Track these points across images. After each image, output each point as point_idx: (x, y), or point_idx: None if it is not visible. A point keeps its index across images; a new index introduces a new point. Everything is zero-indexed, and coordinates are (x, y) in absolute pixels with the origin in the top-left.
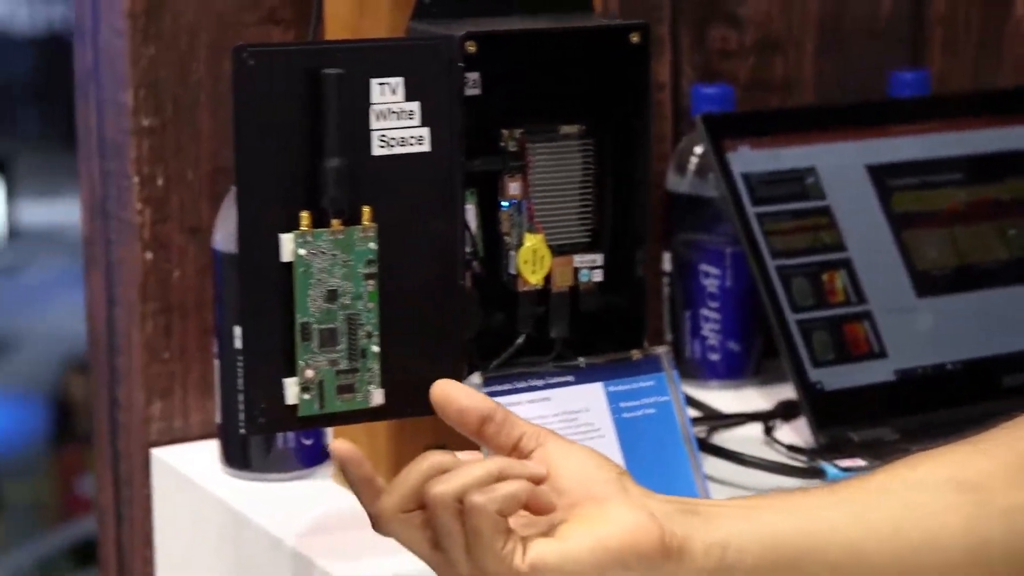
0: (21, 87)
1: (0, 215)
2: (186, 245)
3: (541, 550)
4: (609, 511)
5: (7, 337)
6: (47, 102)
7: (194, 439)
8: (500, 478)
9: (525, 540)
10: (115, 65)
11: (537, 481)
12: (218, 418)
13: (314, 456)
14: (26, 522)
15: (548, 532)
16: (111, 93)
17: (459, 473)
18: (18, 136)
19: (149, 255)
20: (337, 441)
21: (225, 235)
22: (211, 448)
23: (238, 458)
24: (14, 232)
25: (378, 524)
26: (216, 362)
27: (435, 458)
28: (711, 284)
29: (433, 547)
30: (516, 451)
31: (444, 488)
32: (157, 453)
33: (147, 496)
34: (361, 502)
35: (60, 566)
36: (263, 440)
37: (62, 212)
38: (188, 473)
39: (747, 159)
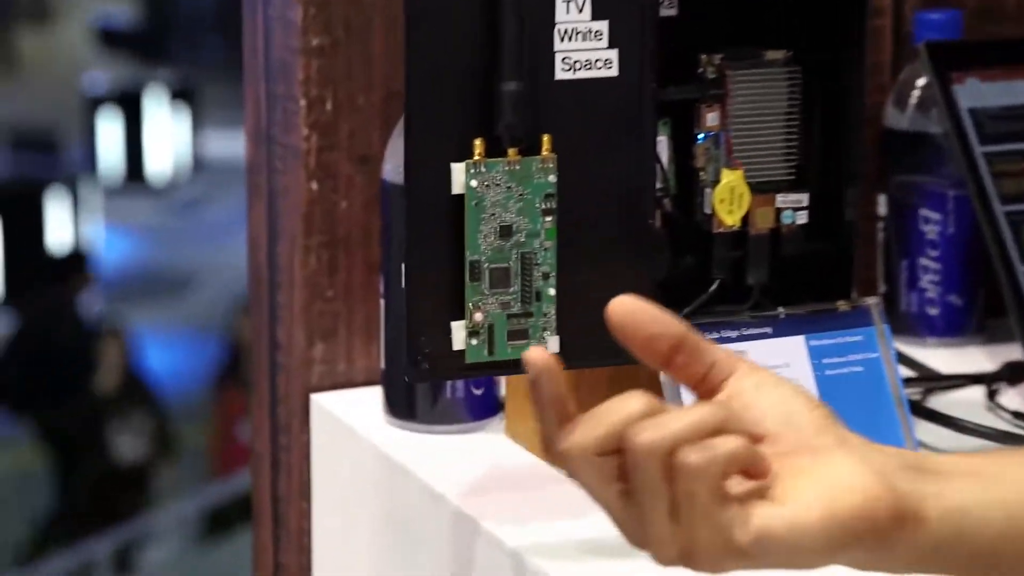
0: (205, 15)
1: (185, 147)
2: (354, 175)
3: (767, 520)
4: (831, 469)
5: (186, 274)
6: (232, 30)
7: (358, 385)
8: (716, 432)
9: (744, 506)
10: None
11: (755, 440)
12: (382, 363)
13: (485, 408)
14: (197, 468)
15: (760, 492)
16: (280, 10)
17: (669, 421)
18: (203, 65)
19: (314, 185)
20: (534, 347)
21: (395, 165)
22: (375, 396)
23: (403, 407)
24: (199, 164)
25: (558, 458)
26: (381, 302)
27: (645, 400)
28: (931, 230)
29: (624, 500)
30: (705, 383)
31: (654, 437)
32: (317, 399)
33: (306, 444)
34: (542, 423)
35: (225, 515)
36: (430, 389)
37: None
38: (349, 421)
39: (976, 92)
